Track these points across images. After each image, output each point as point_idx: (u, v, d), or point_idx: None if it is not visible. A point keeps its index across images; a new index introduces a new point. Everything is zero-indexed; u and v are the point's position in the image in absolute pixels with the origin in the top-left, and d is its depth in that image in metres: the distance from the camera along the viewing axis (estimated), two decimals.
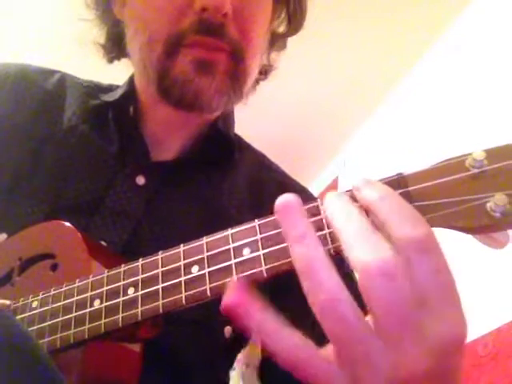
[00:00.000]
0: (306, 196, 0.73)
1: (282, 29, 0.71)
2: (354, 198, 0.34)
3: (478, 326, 1.39)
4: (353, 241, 0.31)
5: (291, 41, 0.74)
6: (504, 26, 1.65)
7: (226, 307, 0.32)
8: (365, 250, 0.30)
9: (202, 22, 0.55)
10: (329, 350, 0.32)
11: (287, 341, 0.32)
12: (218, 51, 0.57)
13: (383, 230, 0.32)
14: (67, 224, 0.51)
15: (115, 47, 0.68)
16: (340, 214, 0.33)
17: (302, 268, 0.32)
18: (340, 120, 2.44)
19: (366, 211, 0.33)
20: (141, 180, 0.61)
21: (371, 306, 0.30)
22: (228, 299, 0.33)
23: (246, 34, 0.59)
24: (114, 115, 0.65)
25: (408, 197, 0.34)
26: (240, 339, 0.60)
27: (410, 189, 0.34)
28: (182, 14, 0.56)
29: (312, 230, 0.33)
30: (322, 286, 0.31)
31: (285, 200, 0.34)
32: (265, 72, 0.74)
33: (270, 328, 0.32)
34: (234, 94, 0.60)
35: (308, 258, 0.32)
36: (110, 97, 0.66)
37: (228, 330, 0.58)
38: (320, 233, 0.35)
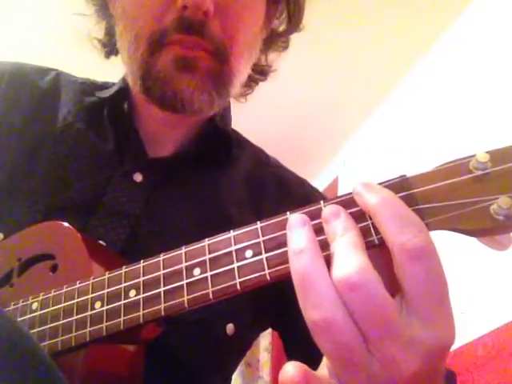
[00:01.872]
0: (304, 189, 0.73)
1: (281, 28, 0.70)
2: (353, 201, 0.34)
3: (478, 325, 1.39)
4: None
5: (292, 41, 0.73)
6: (504, 26, 1.65)
7: None
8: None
9: (183, 19, 0.54)
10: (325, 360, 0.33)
11: None
12: (200, 49, 0.56)
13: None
14: (66, 224, 0.51)
15: (112, 42, 0.67)
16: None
17: (297, 283, 0.31)
18: (340, 120, 2.44)
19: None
20: (138, 177, 0.61)
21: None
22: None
23: (230, 33, 0.57)
24: (109, 112, 0.64)
25: (411, 199, 0.33)
26: (242, 336, 0.60)
27: (413, 191, 0.34)
28: (165, 11, 0.55)
29: (312, 246, 0.32)
30: (315, 304, 0.30)
31: (290, 218, 0.35)
32: (263, 72, 0.73)
33: None
34: (217, 93, 0.58)
35: (303, 273, 0.31)
36: (105, 93, 0.66)
37: (230, 327, 0.58)
38: (320, 237, 0.34)
